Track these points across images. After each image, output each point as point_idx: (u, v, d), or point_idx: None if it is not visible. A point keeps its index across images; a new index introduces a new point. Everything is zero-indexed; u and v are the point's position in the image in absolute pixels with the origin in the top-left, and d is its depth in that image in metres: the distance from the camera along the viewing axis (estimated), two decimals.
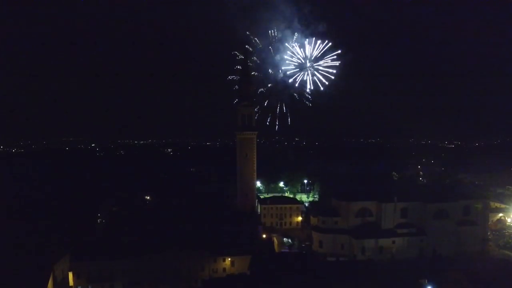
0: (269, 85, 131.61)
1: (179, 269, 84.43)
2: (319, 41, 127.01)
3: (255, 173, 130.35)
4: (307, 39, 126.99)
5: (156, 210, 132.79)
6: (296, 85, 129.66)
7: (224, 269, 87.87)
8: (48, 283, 70.65)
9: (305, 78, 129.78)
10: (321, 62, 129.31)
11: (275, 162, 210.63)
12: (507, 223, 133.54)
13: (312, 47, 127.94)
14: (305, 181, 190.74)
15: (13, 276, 66.78)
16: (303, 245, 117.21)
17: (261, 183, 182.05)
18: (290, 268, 72.81)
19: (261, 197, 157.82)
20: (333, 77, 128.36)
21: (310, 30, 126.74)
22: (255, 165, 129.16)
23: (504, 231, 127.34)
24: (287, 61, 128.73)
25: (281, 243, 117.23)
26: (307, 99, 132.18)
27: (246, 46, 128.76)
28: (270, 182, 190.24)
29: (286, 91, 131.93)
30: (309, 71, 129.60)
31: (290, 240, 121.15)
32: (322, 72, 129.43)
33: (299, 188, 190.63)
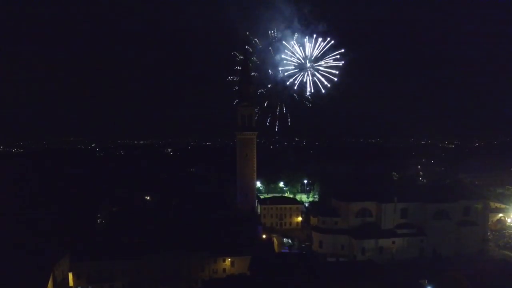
0: (269, 85, 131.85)
1: (179, 270, 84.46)
2: (320, 39, 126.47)
3: (255, 173, 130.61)
4: (307, 37, 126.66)
5: (156, 210, 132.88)
6: (295, 87, 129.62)
7: (224, 270, 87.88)
8: (48, 284, 70.58)
9: (305, 80, 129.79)
10: (321, 62, 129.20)
11: (275, 162, 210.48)
12: (507, 223, 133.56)
13: (313, 46, 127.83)
14: (305, 181, 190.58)
15: (13, 276, 66.75)
16: (303, 245, 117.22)
17: (261, 183, 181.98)
18: (290, 268, 72.70)
19: (261, 197, 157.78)
20: (335, 79, 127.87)
21: (310, 30, 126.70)
22: (255, 165, 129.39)
23: (504, 231, 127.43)
24: (286, 62, 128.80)
25: (281, 244, 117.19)
26: (307, 99, 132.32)
27: (246, 46, 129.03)
28: (270, 182, 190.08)
29: (286, 92, 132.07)
30: (309, 72, 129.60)
31: (290, 241, 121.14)
32: (322, 73, 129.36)
33: (299, 188, 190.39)
